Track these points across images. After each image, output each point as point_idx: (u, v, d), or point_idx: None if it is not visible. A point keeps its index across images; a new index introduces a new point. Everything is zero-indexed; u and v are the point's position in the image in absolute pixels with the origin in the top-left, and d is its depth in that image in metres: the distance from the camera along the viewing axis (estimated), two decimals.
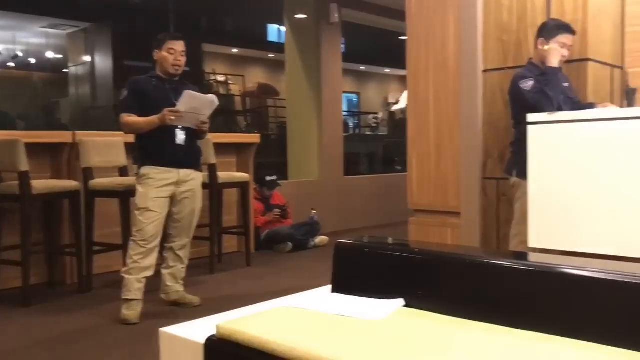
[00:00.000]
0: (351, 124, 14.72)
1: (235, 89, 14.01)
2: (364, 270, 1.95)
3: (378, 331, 1.57)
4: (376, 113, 15.51)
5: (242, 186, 5.32)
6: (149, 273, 3.60)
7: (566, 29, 3.26)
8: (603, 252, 2.84)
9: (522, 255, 2.24)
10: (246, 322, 1.70)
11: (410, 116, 4.32)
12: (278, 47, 11.62)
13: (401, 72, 12.78)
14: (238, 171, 5.67)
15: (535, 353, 1.40)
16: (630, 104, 3.18)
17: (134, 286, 3.55)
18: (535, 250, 3.18)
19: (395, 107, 13.59)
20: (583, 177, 2.90)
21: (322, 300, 1.86)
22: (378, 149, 11.99)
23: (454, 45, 3.98)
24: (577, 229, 2.93)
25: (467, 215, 3.93)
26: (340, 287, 1.95)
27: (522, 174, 3.17)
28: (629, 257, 2.82)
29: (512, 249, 3.44)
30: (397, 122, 12.62)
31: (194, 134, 3.72)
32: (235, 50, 14.41)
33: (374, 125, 14.88)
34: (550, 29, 3.28)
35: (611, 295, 1.46)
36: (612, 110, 3.03)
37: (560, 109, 3.06)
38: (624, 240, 2.78)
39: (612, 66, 3.76)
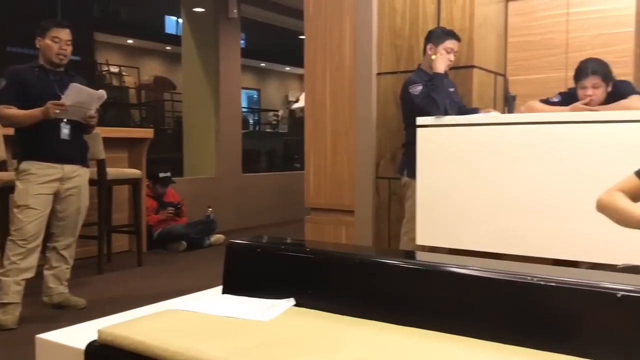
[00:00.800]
0: (251, 121, 14.63)
1: (129, 81, 13.48)
2: (256, 271, 1.93)
3: (267, 332, 1.57)
4: (276, 110, 15.52)
5: (134, 183, 5.12)
6: (29, 275, 3.38)
7: (452, 35, 3.42)
8: (485, 249, 3.02)
9: (409, 254, 2.33)
10: (130, 326, 1.63)
11: (307, 115, 4.36)
12: (176, 40, 11.30)
13: (301, 71, 12.94)
14: (130, 167, 5.45)
15: (422, 350, 1.45)
16: (510, 110, 3.40)
17: (12, 289, 3.31)
18: (424, 247, 3.32)
19: (295, 105, 13.67)
20: (467, 178, 3.07)
21: (211, 301, 1.83)
22: (278, 147, 12.00)
23: (350, 48, 4.07)
24: (462, 228, 3.10)
25: (360, 213, 4.03)
26: (231, 287, 1.92)
27: (412, 174, 3.30)
28: (508, 255, 3.01)
29: (402, 247, 3.56)
30: (298, 120, 12.70)
31: (79, 128, 3.52)
32: (130, 41, 13.85)
33: (274, 122, 14.89)
34: (438, 35, 3.43)
35: (490, 293, 1.54)
36: (494, 116, 3.21)
37: (446, 113, 3.21)
38: (504, 238, 2.97)
39: (495, 73, 4.01)
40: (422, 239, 3.22)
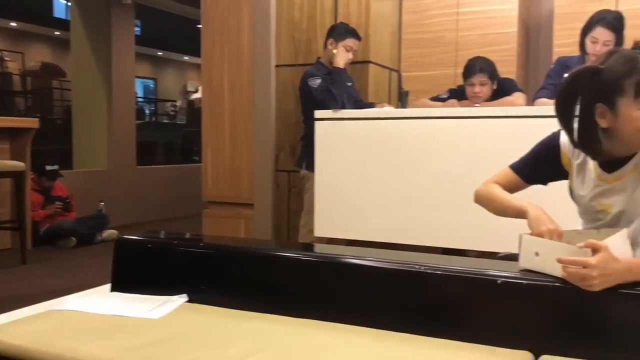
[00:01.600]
0: (147, 111, 14.12)
1: (13, 66, 12.54)
2: (147, 267, 1.87)
3: (157, 330, 1.52)
4: (174, 101, 15.09)
5: (17, 176, 4.78)
6: None
7: (353, 34, 3.47)
8: (381, 240, 3.11)
9: (305, 247, 2.34)
10: (9, 329, 1.52)
11: (204, 106, 4.27)
12: (65, 24, 10.66)
13: (200, 61, 12.65)
14: (12, 159, 5.08)
15: (317, 341, 1.46)
16: (404, 105, 3.51)
17: None
18: (322, 239, 3.36)
19: (194, 96, 13.36)
20: (364, 171, 3.13)
21: (98, 300, 1.75)
22: (176, 138, 11.67)
23: (248, 39, 4.02)
24: (359, 219, 3.16)
25: (260, 206, 4.00)
26: (120, 285, 1.84)
27: (311, 166, 3.32)
28: (404, 244, 3.11)
29: (301, 239, 3.58)
30: (197, 111, 12.39)
31: None
32: (13, 24, 12.90)
33: (172, 113, 14.46)
34: (340, 31, 3.47)
35: (385, 282, 1.58)
36: (388, 110, 3.30)
37: (344, 107, 3.26)
38: (399, 229, 3.07)
39: (390, 69, 4.12)
40: (320, 230, 3.26)
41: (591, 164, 1.54)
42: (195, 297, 1.75)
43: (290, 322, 1.59)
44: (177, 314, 1.64)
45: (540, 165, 1.62)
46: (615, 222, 1.52)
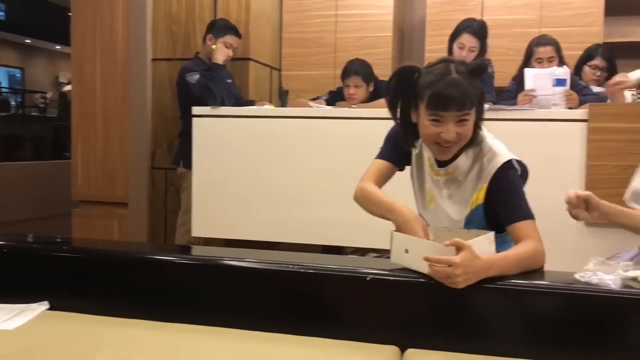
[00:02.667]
0: (13, 103, 13.08)
1: None
2: (2, 273, 1.72)
3: (13, 341, 1.40)
4: (44, 92, 14.10)
5: None
6: None
7: (234, 31, 3.42)
8: (261, 238, 3.10)
9: (180, 249, 2.27)
10: None
11: (75, 100, 4.02)
12: None
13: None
14: None
15: (189, 346, 1.42)
16: (284, 104, 3.52)
17: None
18: (200, 239, 3.29)
19: (67, 88, 12.56)
20: (243, 169, 3.10)
21: None
22: (46, 132, 10.89)
23: (122, 30, 3.83)
24: (238, 218, 3.13)
25: (134, 205, 3.84)
26: None
27: (188, 164, 3.24)
28: (283, 243, 3.12)
29: (178, 239, 3.49)
30: (69, 104, 11.66)
31: None
32: None
33: (41, 105, 13.50)
34: (220, 27, 3.41)
35: (264, 283, 1.57)
36: (268, 109, 3.30)
37: (223, 103, 3.21)
38: (278, 227, 3.07)
39: (271, 67, 4.12)
40: (198, 230, 3.19)
41: (426, 155, 1.65)
42: (57, 304, 1.64)
43: (163, 327, 1.53)
44: (36, 323, 1.53)
45: (398, 149, 1.71)
46: (437, 215, 1.64)
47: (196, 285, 1.62)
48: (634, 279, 1.36)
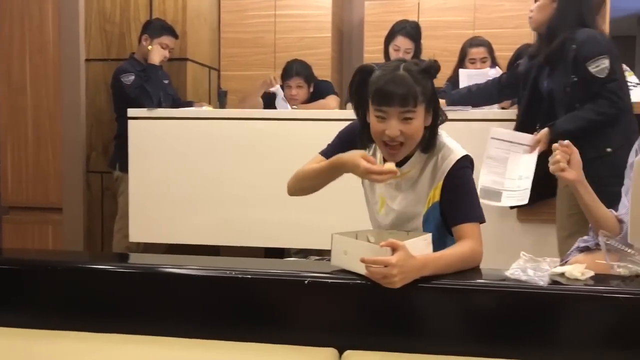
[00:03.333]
0: None
1: None
2: None
3: None
4: None
5: None
6: None
7: (170, 31, 3.36)
8: (201, 242, 3.05)
9: (111, 257, 2.20)
10: None
11: (3, 101, 3.85)
12: None
13: None
14: None
15: (125, 357, 1.38)
16: (222, 105, 3.49)
17: None
18: (138, 244, 3.22)
19: None
20: (181, 172, 3.05)
21: None
22: None
23: (53, 29, 3.69)
24: (177, 222, 3.07)
25: (69, 211, 3.72)
26: None
27: (125, 167, 3.16)
28: (225, 246, 3.09)
29: (115, 244, 3.40)
30: None
31: None
32: None
33: None
34: (155, 28, 3.34)
35: (201, 290, 1.54)
36: (206, 110, 3.26)
37: (160, 105, 3.15)
38: (219, 230, 3.03)
39: (210, 68, 4.07)
40: (135, 235, 3.11)
41: (379, 156, 1.66)
42: None
43: (98, 338, 1.49)
44: None
45: (345, 149, 1.65)
46: (390, 218, 1.65)
47: (133, 294, 1.58)
48: (561, 274, 1.41)
